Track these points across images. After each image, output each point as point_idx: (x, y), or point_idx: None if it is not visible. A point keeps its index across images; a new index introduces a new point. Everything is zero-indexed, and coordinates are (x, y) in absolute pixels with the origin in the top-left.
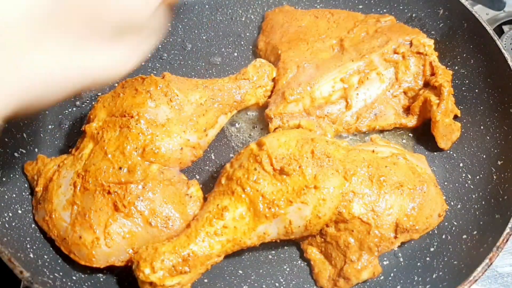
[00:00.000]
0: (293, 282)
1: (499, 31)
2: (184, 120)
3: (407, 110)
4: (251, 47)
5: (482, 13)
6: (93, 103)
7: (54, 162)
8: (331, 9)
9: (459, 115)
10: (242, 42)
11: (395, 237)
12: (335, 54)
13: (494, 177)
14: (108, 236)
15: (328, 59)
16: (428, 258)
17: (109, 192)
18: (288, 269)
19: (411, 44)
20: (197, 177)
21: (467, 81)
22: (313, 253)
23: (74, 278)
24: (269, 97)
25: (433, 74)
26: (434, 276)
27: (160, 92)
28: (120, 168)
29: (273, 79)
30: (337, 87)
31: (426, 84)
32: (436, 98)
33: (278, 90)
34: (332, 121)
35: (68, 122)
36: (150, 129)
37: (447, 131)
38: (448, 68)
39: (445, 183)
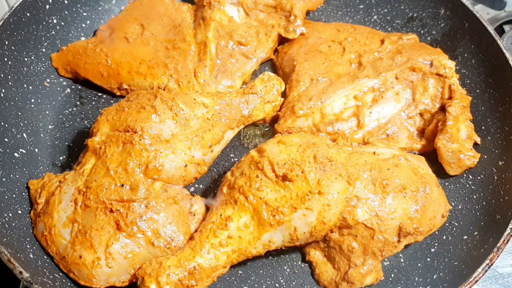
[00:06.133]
0: (293, 283)
1: (500, 31)
2: (189, 136)
3: (422, 133)
4: None
5: (483, 13)
6: (93, 102)
7: (58, 178)
8: (354, 24)
9: (478, 143)
10: None
11: (399, 241)
12: (352, 70)
13: (495, 177)
14: (110, 256)
15: (344, 74)
16: (428, 259)
17: (111, 211)
18: (288, 270)
19: (431, 64)
20: (197, 185)
21: (468, 81)
22: (315, 255)
23: None
24: (279, 110)
25: (451, 97)
26: (434, 276)
27: (165, 106)
28: (122, 185)
29: (284, 93)
30: (350, 104)
31: (443, 107)
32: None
33: (288, 103)
34: (341, 137)
35: (69, 122)
36: (154, 145)
37: (455, 157)
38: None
39: (446, 184)
